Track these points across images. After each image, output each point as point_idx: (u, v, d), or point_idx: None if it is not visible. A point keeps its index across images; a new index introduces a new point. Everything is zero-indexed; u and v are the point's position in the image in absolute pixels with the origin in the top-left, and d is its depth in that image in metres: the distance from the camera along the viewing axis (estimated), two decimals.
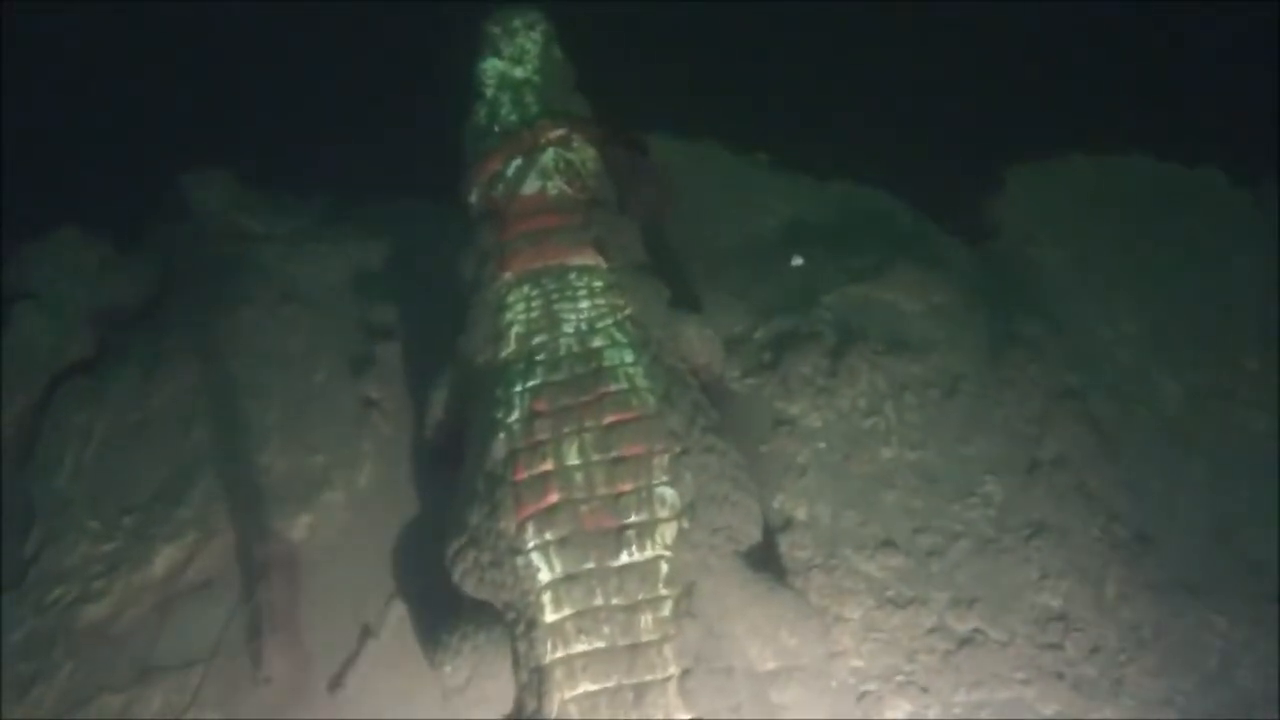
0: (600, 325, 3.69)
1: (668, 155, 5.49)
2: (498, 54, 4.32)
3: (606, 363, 3.57)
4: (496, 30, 4.34)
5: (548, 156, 4.07)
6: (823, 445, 4.03)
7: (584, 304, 3.75)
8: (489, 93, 4.30)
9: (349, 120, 6.71)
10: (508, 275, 3.87)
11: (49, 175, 6.30)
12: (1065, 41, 6.61)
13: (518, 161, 4.07)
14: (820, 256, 4.75)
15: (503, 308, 3.81)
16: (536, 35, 4.34)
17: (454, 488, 3.67)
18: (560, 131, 4.11)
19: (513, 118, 4.18)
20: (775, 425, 4.09)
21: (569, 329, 3.68)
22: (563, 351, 3.63)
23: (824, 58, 6.60)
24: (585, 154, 4.13)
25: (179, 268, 5.20)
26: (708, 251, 4.89)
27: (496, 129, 4.19)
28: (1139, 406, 4.53)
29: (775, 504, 3.88)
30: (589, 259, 3.87)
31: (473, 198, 4.15)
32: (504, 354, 3.72)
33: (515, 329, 3.74)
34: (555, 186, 4.03)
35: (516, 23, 4.35)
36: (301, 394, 4.41)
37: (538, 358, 3.64)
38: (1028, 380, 4.29)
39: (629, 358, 3.59)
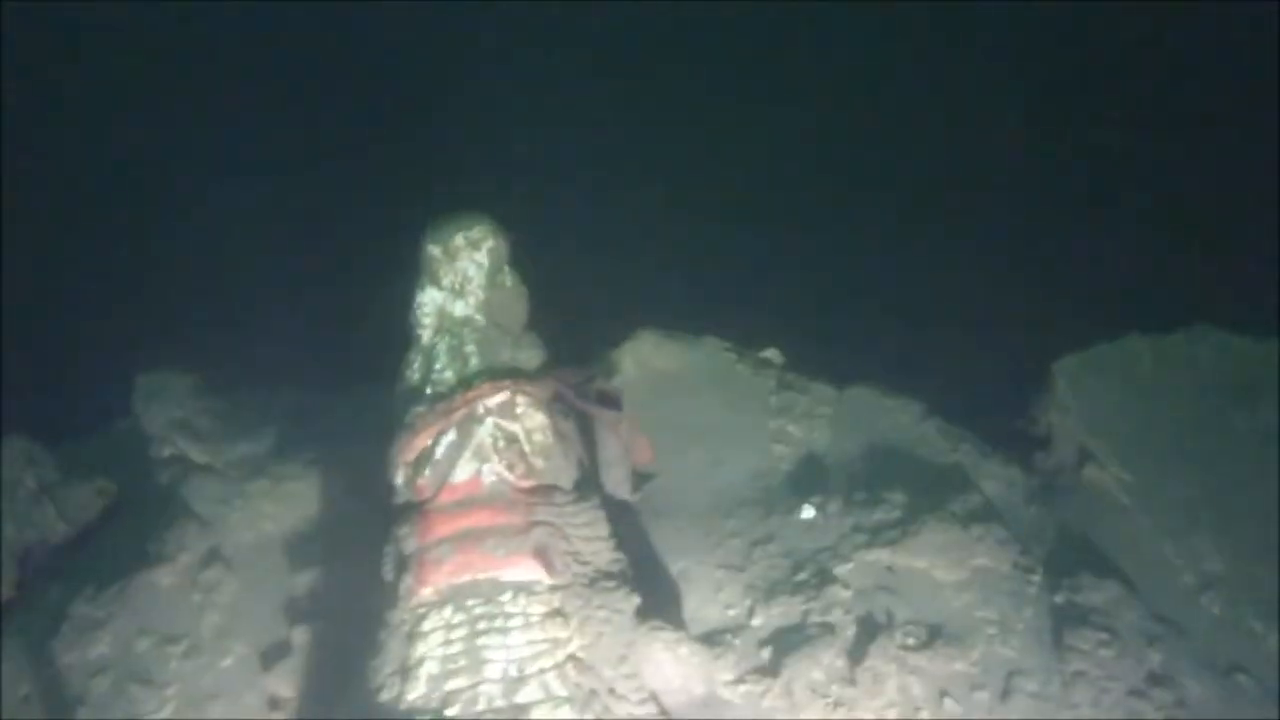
0: (532, 670, 2.99)
1: (660, 358, 4.87)
2: (436, 282, 3.69)
3: None
4: (436, 251, 3.69)
5: (485, 431, 3.40)
6: None
7: (516, 637, 3.04)
8: (424, 336, 3.68)
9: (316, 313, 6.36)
10: (426, 591, 3.17)
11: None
12: (1102, 201, 5.97)
13: (450, 436, 3.41)
14: (836, 504, 4.01)
15: (415, 635, 3.11)
16: (482, 257, 3.69)
17: None
18: (502, 397, 3.44)
19: (448, 374, 3.55)
20: None
21: (493, 672, 2.99)
22: (481, 704, 2.93)
23: (837, 247, 5.98)
24: (532, 423, 3.44)
25: (114, 497, 4.82)
26: (701, 498, 4.21)
27: (429, 390, 3.54)
28: (1241, 677, 3.74)
29: None
30: (528, 572, 3.16)
31: (398, 480, 3.46)
32: (410, 697, 3.00)
33: (427, 666, 3.04)
34: (492, 471, 3.35)
35: (459, 240, 3.68)
36: (203, 685, 3.81)
37: (449, 711, 2.93)
38: (1101, 670, 3.50)
39: None
